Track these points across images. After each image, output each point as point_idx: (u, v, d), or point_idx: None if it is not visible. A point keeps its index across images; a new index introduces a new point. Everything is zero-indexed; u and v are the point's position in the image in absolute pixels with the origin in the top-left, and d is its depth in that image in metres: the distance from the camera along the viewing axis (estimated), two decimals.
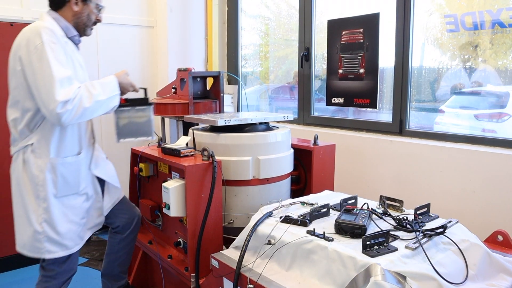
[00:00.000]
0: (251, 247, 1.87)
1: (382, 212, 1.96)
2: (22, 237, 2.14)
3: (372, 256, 1.53)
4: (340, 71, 3.46)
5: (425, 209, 1.97)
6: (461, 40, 2.90)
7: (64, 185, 2.09)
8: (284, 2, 4.43)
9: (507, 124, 2.88)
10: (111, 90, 2.08)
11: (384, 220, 1.87)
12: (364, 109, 3.50)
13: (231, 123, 2.37)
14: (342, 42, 3.42)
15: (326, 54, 3.59)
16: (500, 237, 2.01)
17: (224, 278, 1.90)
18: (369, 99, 3.28)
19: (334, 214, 1.97)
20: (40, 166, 2.04)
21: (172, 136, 4.11)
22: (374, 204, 2.06)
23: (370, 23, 3.21)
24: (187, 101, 3.46)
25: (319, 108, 3.88)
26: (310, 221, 1.88)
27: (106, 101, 2.05)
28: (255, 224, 1.90)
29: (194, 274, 2.19)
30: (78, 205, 2.17)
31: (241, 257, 1.80)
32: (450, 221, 1.88)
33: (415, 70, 3.13)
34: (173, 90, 3.68)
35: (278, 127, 2.60)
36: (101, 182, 2.31)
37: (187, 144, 2.50)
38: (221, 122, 2.33)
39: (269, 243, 1.82)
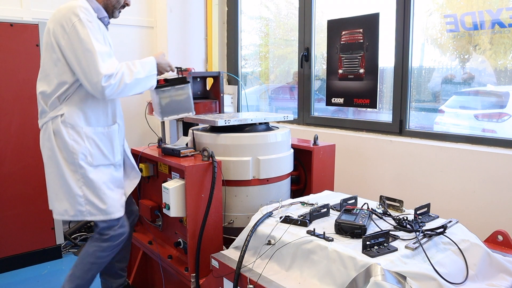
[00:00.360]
0: (251, 247, 1.87)
1: (382, 212, 1.96)
2: (62, 204, 2.18)
3: (372, 256, 1.53)
4: (340, 71, 3.46)
5: (425, 209, 1.97)
6: (461, 40, 2.90)
7: (98, 154, 2.19)
8: (284, 1, 4.43)
9: (507, 124, 2.88)
10: (149, 69, 2.20)
11: (384, 220, 1.87)
12: (364, 109, 3.50)
13: (231, 123, 2.37)
14: (342, 42, 3.42)
15: (326, 54, 3.60)
16: (500, 237, 2.01)
17: (224, 278, 1.90)
18: (369, 99, 3.28)
19: (334, 214, 1.97)
20: (73, 135, 2.13)
21: (172, 137, 4.11)
22: (374, 204, 2.06)
23: (370, 23, 3.21)
24: None
25: (319, 108, 3.88)
26: (310, 221, 1.88)
27: (144, 80, 2.17)
28: (255, 224, 1.90)
29: (194, 274, 2.19)
30: (115, 173, 2.27)
31: (241, 257, 1.80)
32: (450, 221, 1.88)
33: (415, 70, 3.13)
34: None
35: (278, 127, 2.60)
36: None
37: (187, 145, 2.50)
38: (221, 122, 2.33)
39: (269, 243, 1.82)
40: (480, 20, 2.73)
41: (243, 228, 1.99)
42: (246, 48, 4.78)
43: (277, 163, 2.40)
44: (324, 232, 1.72)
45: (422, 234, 1.71)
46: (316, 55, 3.81)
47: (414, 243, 1.63)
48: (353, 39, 3.33)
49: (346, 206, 1.94)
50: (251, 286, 1.71)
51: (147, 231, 2.78)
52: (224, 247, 2.28)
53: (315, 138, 2.70)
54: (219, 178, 2.22)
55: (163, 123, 3.95)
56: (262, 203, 2.31)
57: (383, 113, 3.40)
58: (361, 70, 3.30)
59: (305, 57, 3.80)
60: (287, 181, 2.56)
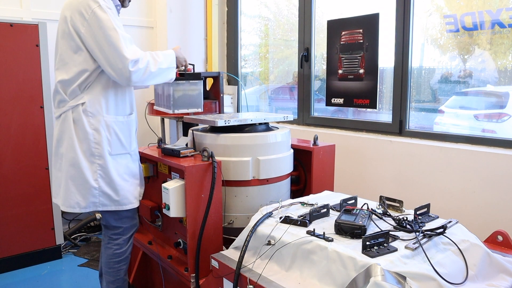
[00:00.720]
0: (251, 247, 1.87)
1: (382, 212, 1.96)
2: (74, 196, 2.17)
3: (372, 257, 1.53)
4: (340, 71, 3.46)
5: (425, 209, 1.97)
6: (461, 40, 2.90)
7: (117, 143, 2.20)
8: (284, 1, 4.43)
9: (507, 124, 2.88)
10: (170, 61, 2.23)
11: (384, 221, 1.87)
12: (364, 109, 3.50)
13: (231, 124, 2.37)
14: (341, 43, 3.42)
15: (325, 55, 3.60)
16: (500, 237, 2.01)
17: (224, 278, 1.90)
18: (369, 99, 3.28)
19: (334, 215, 1.97)
20: (94, 124, 2.13)
21: (172, 137, 4.11)
22: (374, 205, 2.06)
23: (369, 23, 3.21)
24: None
25: (319, 109, 3.88)
26: (310, 222, 1.88)
27: (166, 71, 2.21)
28: (255, 224, 1.90)
29: (194, 275, 2.19)
30: (130, 164, 2.28)
31: (241, 258, 1.80)
32: (450, 221, 1.88)
33: (415, 70, 3.13)
34: None
35: (278, 128, 2.60)
36: None
37: (187, 145, 2.50)
38: (221, 123, 2.33)
39: (269, 243, 1.82)
40: (480, 20, 2.73)
41: (243, 228, 1.99)
42: (246, 48, 4.79)
43: (277, 163, 2.40)
44: (324, 233, 1.72)
45: (422, 234, 1.71)
46: (316, 55, 3.81)
47: (414, 244, 1.63)
48: (353, 39, 3.33)
49: (346, 207, 1.94)
50: (251, 286, 1.71)
51: (147, 231, 2.78)
52: (224, 247, 2.28)
53: (315, 139, 2.70)
54: (219, 179, 2.22)
55: (163, 123, 3.95)
56: (262, 203, 2.31)
57: (383, 114, 3.40)
58: (361, 70, 3.30)
59: (305, 57, 3.81)
60: (287, 181, 2.55)
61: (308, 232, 1.76)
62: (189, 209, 2.16)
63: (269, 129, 2.54)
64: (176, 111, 2.38)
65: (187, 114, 2.65)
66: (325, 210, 1.98)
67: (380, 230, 1.70)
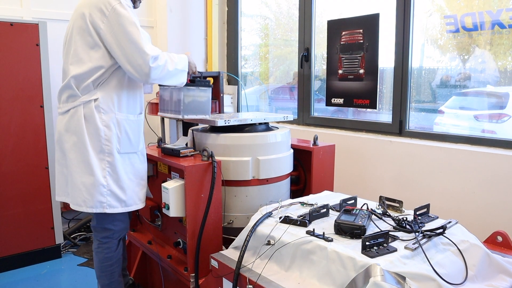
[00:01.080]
0: (250, 247, 1.87)
1: (381, 212, 1.96)
2: (81, 194, 2.15)
3: (371, 257, 1.53)
4: (340, 71, 3.46)
5: (425, 210, 1.97)
6: (461, 40, 2.90)
7: (126, 141, 2.20)
8: (284, 1, 4.43)
9: (507, 125, 2.88)
10: (184, 64, 2.26)
11: (384, 221, 1.87)
12: (364, 109, 3.50)
13: (231, 124, 2.37)
14: (342, 43, 3.42)
15: (326, 55, 3.60)
16: (499, 238, 2.01)
17: (223, 278, 1.90)
18: (369, 99, 3.28)
19: (333, 215, 1.97)
20: (105, 121, 2.13)
21: (172, 137, 4.10)
22: (373, 205, 2.06)
23: (370, 23, 3.21)
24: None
25: (319, 109, 3.88)
26: (310, 222, 1.88)
27: (180, 72, 2.23)
28: (255, 224, 1.90)
29: (193, 274, 2.19)
30: (137, 164, 2.27)
31: (241, 257, 1.80)
32: (450, 222, 1.88)
33: (415, 70, 3.13)
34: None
35: (277, 128, 2.60)
36: None
37: (186, 144, 2.50)
38: (220, 123, 2.33)
39: (268, 243, 1.82)
40: (480, 21, 2.73)
41: (243, 228, 1.99)
42: (246, 48, 4.78)
43: (277, 163, 2.40)
44: (323, 233, 1.72)
45: (421, 234, 1.71)
46: (316, 55, 3.81)
47: (413, 244, 1.63)
48: (353, 40, 3.33)
49: (346, 207, 1.94)
50: (251, 286, 1.71)
51: (146, 231, 2.78)
52: (223, 247, 2.28)
53: (315, 139, 2.70)
54: (219, 178, 2.22)
55: (162, 123, 3.95)
56: (262, 203, 2.31)
57: (383, 114, 3.40)
58: (361, 71, 3.30)
59: (305, 57, 3.80)
60: (287, 181, 2.55)
61: (308, 232, 1.76)
62: (189, 208, 2.16)
63: (269, 129, 2.54)
64: (186, 116, 2.39)
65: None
66: (324, 210, 1.98)
67: (379, 230, 1.70)
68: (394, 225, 1.82)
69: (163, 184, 2.23)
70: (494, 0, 2.74)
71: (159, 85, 2.53)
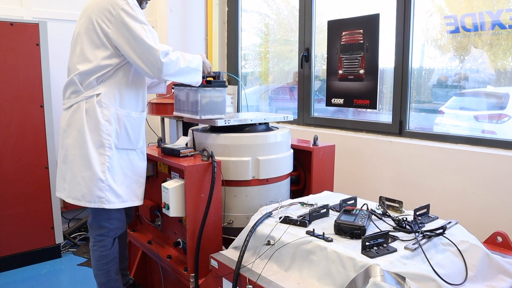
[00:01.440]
0: (250, 247, 1.87)
1: (381, 213, 1.96)
2: (80, 188, 2.17)
3: (371, 257, 1.53)
4: (340, 71, 3.46)
5: (425, 210, 1.97)
6: (461, 41, 2.90)
7: (125, 138, 2.22)
8: (284, 2, 4.43)
9: (507, 125, 2.88)
10: (197, 64, 2.29)
11: (384, 221, 1.87)
12: (364, 109, 3.50)
13: (231, 124, 2.37)
14: (342, 43, 3.42)
15: (326, 55, 3.59)
16: (499, 238, 2.01)
17: (223, 278, 1.90)
18: (369, 99, 3.28)
19: (333, 215, 1.97)
20: (107, 116, 2.15)
21: (172, 136, 4.11)
22: (373, 205, 2.06)
23: (370, 24, 3.21)
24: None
25: (319, 109, 3.88)
26: (310, 222, 1.88)
27: (193, 71, 2.26)
28: (255, 224, 1.90)
29: (193, 274, 2.19)
30: (135, 161, 2.28)
31: (241, 258, 1.80)
32: (450, 222, 1.88)
33: (415, 71, 3.13)
34: (173, 90, 3.67)
35: (277, 128, 2.60)
36: None
37: (186, 144, 2.50)
38: (220, 123, 2.33)
39: (268, 243, 1.82)
40: (481, 21, 2.73)
41: (243, 228, 1.99)
42: (246, 48, 4.78)
43: (277, 163, 2.40)
44: (323, 233, 1.72)
45: (421, 235, 1.71)
46: (316, 56, 3.81)
47: (413, 244, 1.63)
48: (353, 40, 3.33)
49: (346, 207, 1.94)
50: (250, 286, 1.71)
51: (146, 231, 2.78)
52: (223, 247, 2.28)
53: (315, 139, 2.70)
54: (219, 178, 2.22)
55: (163, 122, 3.95)
56: (262, 203, 2.31)
57: (383, 114, 3.39)
58: (361, 71, 3.30)
59: (305, 58, 3.80)
60: (287, 181, 2.56)
61: (308, 232, 1.76)
62: (189, 208, 2.16)
63: (269, 129, 2.54)
64: (203, 117, 2.40)
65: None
66: (324, 210, 1.98)
67: (379, 231, 1.70)
68: (394, 225, 1.82)
69: (163, 184, 2.23)
70: (494, 1, 2.74)
71: (175, 85, 2.56)
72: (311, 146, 2.65)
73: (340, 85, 3.47)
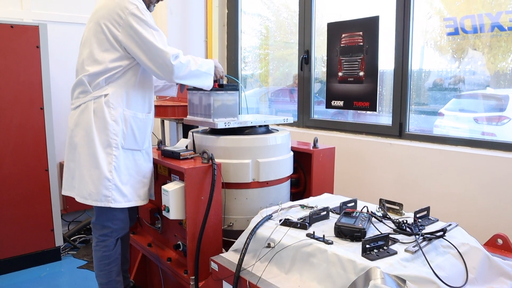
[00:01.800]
0: (250, 250, 1.87)
1: (381, 215, 1.96)
2: (87, 186, 2.19)
3: (371, 260, 1.53)
4: (340, 74, 3.46)
5: (425, 212, 1.97)
6: (461, 43, 2.90)
7: (131, 138, 2.24)
8: (283, 5, 4.43)
9: (507, 127, 2.88)
10: (209, 67, 2.32)
11: (384, 224, 1.87)
12: (364, 112, 3.50)
13: (231, 126, 2.37)
14: (341, 45, 3.42)
15: (325, 57, 3.60)
16: (500, 241, 2.01)
17: (223, 281, 1.90)
18: (369, 102, 3.28)
19: (333, 217, 1.97)
20: (114, 116, 2.18)
21: (172, 139, 4.11)
22: (373, 207, 2.06)
23: (369, 26, 3.21)
24: (187, 104, 3.46)
25: (319, 111, 3.88)
26: (310, 224, 1.88)
27: (204, 75, 2.29)
28: (255, 227, 1.90)
29: (193, 277, 2.19)
30: (140, 162, 2.30)
31: (241, 260, 1.80)
32: (450, 225, 1.88)
33: (415, 73, 3.14)
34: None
35: (277, 130, 2.60)
36: None
37: (186, 147, 2.50)
38: (221, 125, 2.34)
39: (268, 246, 1.82)
40: (480, 23, 2.74)
41: (243, 230, 1.99)
42: (246, 50, 4.79)
43: (277, 165, 2.40)
44: (323, 235, 1.72)
45: (421, 237, 1.71)
46: (316, 58, 3.81)
47: (413, 247, 1.63)
48: (353, 42, 3.33)
49: (346, 209, 1.94)
50: None
51: (146, 233, 2.77)
52: (223, 250, 2.28)
53: (315, 141, 2.70)
54: (219, 181, 2.22)
55: (163, 125, 3.95)
56: (262, 205, 2.31)
57: (383, 116, 3.40)
58: (361, 73, 3.30)
59: (305, 60, 3.81)
60: (287, 183, 2.55)
61: (308, 235, 1.76)
62: (189, 211, 2.16)
63: (269, 131, 2.54)
64: (216, 120, 2.42)
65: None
66: (325, 212, 1.98)
67: (380, 233, 1.70)
68: (394, 227, 1.82)
69: (163, 187, 2.23)
70: (493, 3, 2.75)
71: (188, 89, 2.59)
72: (311, 149, 2.65)
73: (340, 87, 3.48)
